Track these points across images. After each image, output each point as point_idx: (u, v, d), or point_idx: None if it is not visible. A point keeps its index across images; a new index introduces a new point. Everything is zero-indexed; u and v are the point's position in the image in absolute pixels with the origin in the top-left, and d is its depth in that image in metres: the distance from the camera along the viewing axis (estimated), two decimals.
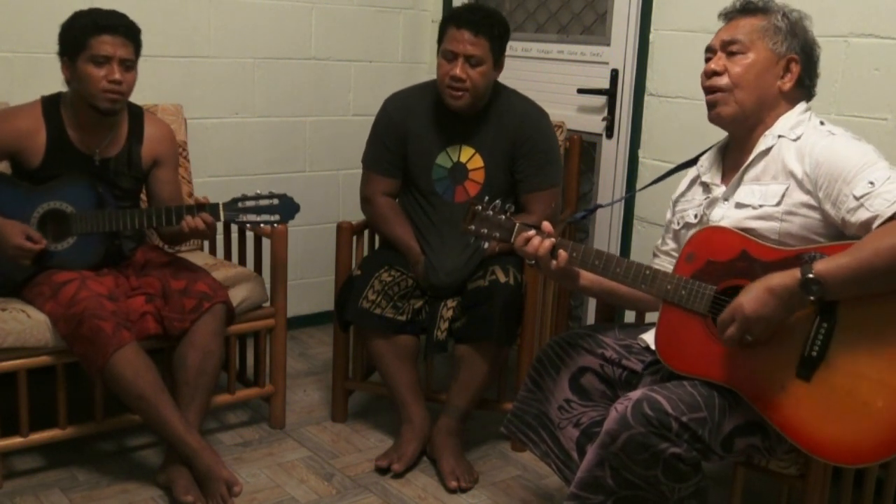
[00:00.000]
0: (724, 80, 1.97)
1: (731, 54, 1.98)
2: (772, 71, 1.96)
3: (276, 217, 2.52)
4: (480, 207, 2.12)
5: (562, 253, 2.02)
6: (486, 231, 2.12)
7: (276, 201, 2.52)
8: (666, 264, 2.21)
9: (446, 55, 2.70)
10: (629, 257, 2.57)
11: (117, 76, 2.46)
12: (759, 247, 1.89)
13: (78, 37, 2.45)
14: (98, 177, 2.57)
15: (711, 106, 2.01)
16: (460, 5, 2.79)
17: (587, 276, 2.13)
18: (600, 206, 2.28)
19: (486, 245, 2.16)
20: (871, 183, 1.77)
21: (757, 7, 2.00)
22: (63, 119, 2.56)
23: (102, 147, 2.59)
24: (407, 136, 2.84)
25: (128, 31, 2.48)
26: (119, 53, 2.46)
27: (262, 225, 2.53)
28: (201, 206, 2.51)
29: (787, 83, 1.97)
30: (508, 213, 2.11)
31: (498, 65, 2.76)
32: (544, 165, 2.81)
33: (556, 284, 2.99)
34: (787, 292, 1.75)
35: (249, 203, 2.52)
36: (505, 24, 2.75)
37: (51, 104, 2.57)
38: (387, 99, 2.92)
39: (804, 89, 2.01)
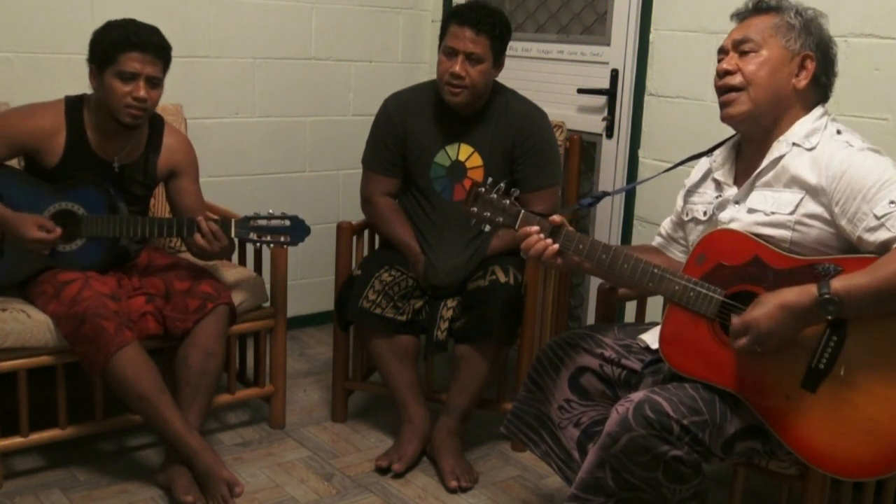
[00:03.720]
0: (737, 79, 1.92)
1: (743, 53, 1.93)
2: (786, 68, 1.91)
3: (286, 238, 2.53)
4: (484, 189, 2.08)
5: (558, 259, 2.03)
6: (488, 215, 2.08)
7: (287, 222, 2.53)
8: (675, 251, 2.20)
9: (447, 52, 2.71)
10: None
11: (142, 94, 2.44)
12: (771, 253, 1.86)
13: (108, 50, 2.42)
14: (112, 182, 2.57)
15: (724, 105, 1.96)
16: (464, 3, 2.79)
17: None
18: (607, 193, 2.24)
19: (489, 229, 2.12)
20: (893, 203, 1.75)
21: (769, 6, 1.96)
22: (84, 122, 2.55)
23: (122, 154, 2.58)
24: (406, 135, 2.85)
25: (158, 49, 2.46)
26: (147, 71, 2.44)
27: (272, 245, 2.54)
28: (213, 222, 2.51)
29: (803, 81, 1.92)
30: (513, 198, 2.08)
31: (498, 64, 2.76)
32: (544, 165, 2.82)
33: (557, 285, 2.99)
34: (802, 310, 1.74)
35: (261, 222, 2.52)
36: (507, 24, 2.75)
37: (74, 106, 2.56)
38: (387, 98, 2.93)
39: (820, 88, 1.96)
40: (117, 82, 2.43)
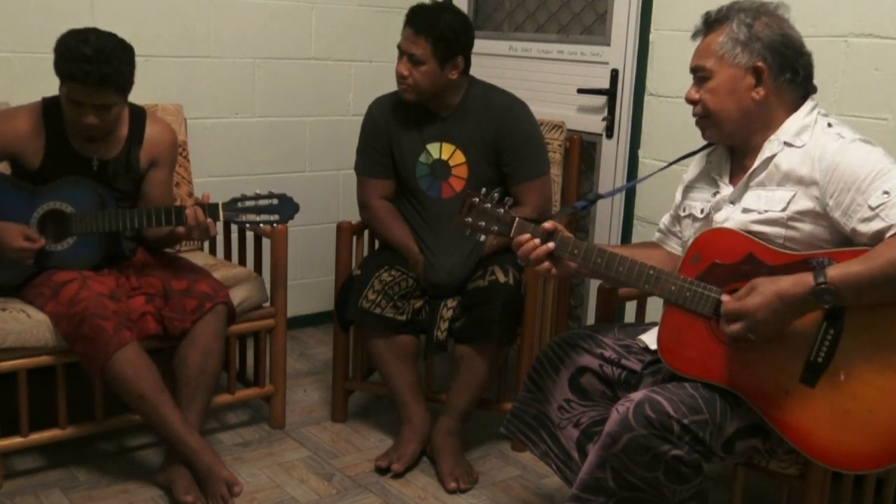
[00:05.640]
0: (699, 109, 1.99)
1: (701, 79, 1.97)
2: (741, 84, 1.93)
3: (276, 217, 2.52)
4: (477, 199, 2.08)
5: (553, 270, 2.03)
6: (483, 224, 2.08)
7: (275, 201, 2.52)
8: (672, 244, 2.21)
9: (399, 50, 2.76)
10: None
11: (90, 120, 2.41)
12: (765, 250, 1.87)
13: (58, 72, 2.39)
14: (97, 179, 2.57)
15: (701, 130, 2.03)
16: (419, 3, 2.81)
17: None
18: (601, 196, 2.26)
19: (483, 238, 2.13)
20: (886, 193, 1.75)
21: (716, 19, 1.97)
22: (63, 122, 2.54)
23: (101, 151, 2.58)
24: (391, 137, 2.86)
25: (102, 80, 2.34)
26: (93, 100, 2.39)
27: (261, 225, 2.53)
28: (201, 207, 2.50)
29: (762, 91, 1.93)
30: (507, 207, 2.07)
31: (448, 65, 2.72)
32: (531, 155, 2.82)
33: (557, 285, 2.99)
34: (797, 300, 1.74)
35: (249, 203, 2.51)
36: (454, 26, 2.71)
37: (51, 107, 2.55)
38: (371, 104, 2.95)
39: (792, 85, 1.95)
40: (68, 104, 2.42)
